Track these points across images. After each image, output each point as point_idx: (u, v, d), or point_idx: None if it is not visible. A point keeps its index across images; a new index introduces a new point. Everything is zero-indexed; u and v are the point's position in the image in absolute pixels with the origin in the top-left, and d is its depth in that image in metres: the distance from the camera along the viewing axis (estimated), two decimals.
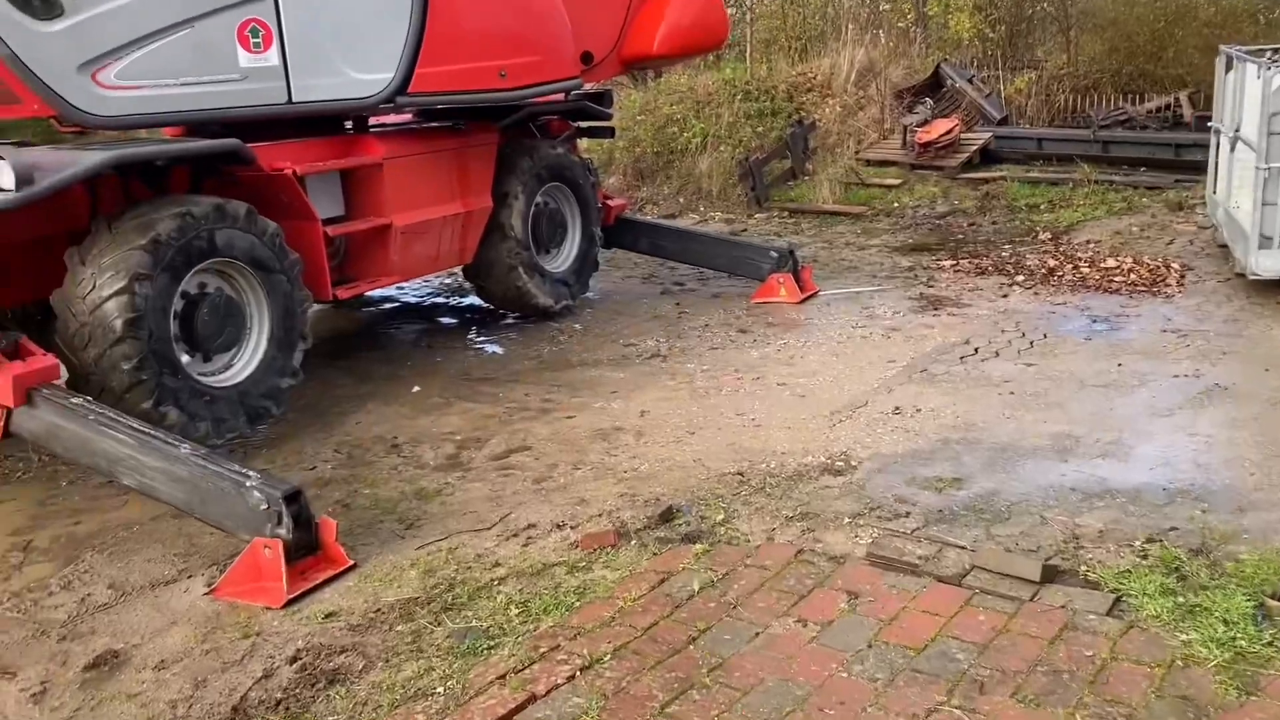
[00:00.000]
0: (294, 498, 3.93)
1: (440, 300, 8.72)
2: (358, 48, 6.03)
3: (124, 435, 4.24)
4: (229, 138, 5.43)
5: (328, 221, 6.01)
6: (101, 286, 4.72)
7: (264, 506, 3.90)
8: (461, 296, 8.62)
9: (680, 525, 4.17)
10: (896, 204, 11.66)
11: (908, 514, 4.17)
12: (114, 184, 5.34)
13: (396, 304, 8.70)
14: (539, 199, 7.48)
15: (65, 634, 3.73)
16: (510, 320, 7.83)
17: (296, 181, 5.68)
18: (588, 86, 8.00)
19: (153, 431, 4.26)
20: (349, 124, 6.77)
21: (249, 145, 5.56)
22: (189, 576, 4.10)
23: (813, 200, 12.09)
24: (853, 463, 4.75)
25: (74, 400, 4.44)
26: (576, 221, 7.88)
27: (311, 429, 5.75)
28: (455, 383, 6.45)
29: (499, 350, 7.14)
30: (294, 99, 5.79)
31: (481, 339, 7.45)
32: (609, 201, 8.58)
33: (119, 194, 5.35)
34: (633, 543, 4.03)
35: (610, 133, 8.22)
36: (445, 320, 8.08)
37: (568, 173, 7.66)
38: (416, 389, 6.30)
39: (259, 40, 5.58)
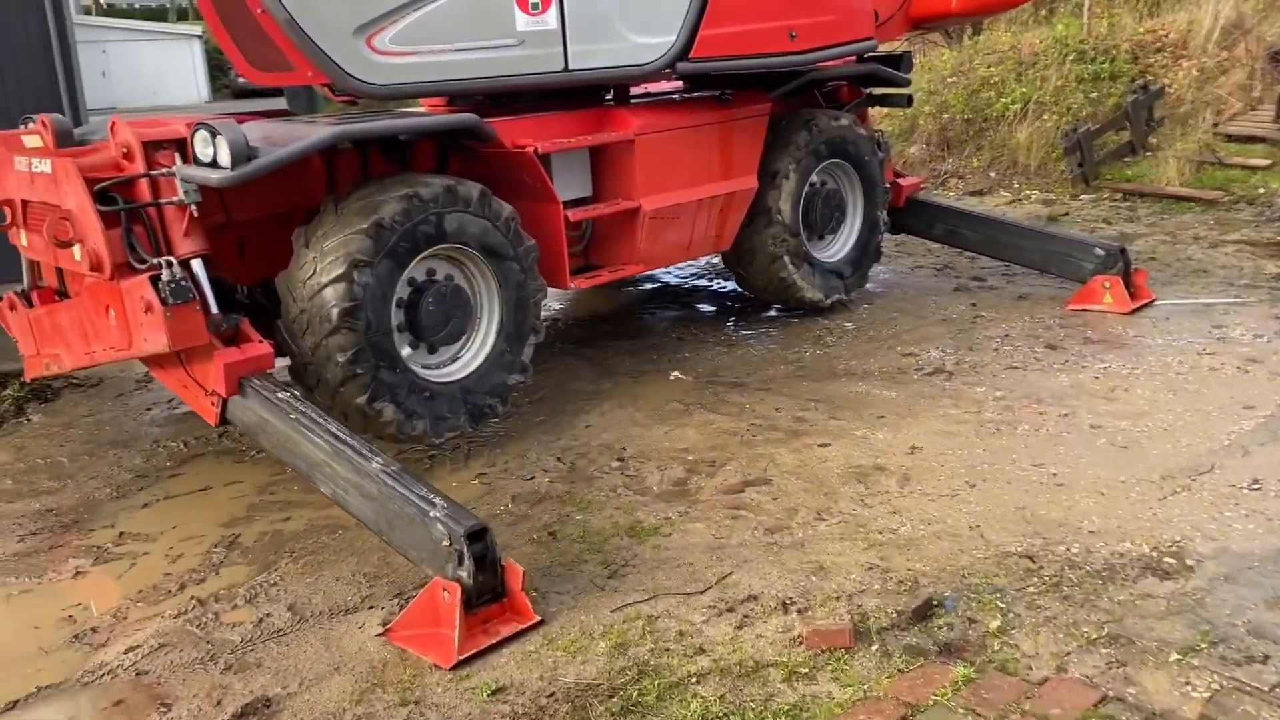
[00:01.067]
0: (478, 535, 3.38)
1: (702, 283, 8.04)
2: (638, 9, 5.42)
3: (321, 440, 3.88)
4: (467, 113, 4.98)
5: (571, 204, 5.46)
6: (321, 272, 4.40)
7: (445, 542, 3.39)
8: (725, 279, 7.88)
9: (939, 628, 3.24)
10: (1263, 190, 9.65)
11: (1266, 658, 3.01)
12: (352, 160, 5.04)
13: (657, 285, 8.12)
14: (814, 178, 6.58)
15: (232, 663, 3.40)
16: (773, 312, 7.01)
17: (538, 160, 5.14)
18: (882, 48, 6.96)
19: (349, 439, 3.86)
20: (609, 95, 6.20)
21: (490, 120, 5.10)
22: (370, 607, 3.68)
23: (1154, 181, 10.29)
24: (1188, 560, 3.58)
25: (280, 395, 4.15)
26: (857, 204, 6.91)
27: (539, 429, 5.26)
28: (700, 387, 5.75)
29: (754, 349, 6.36)
30: (570, 66, 5.25)
31: (738, 333, 6.69)
32: (899, 180, 7.51)
33: (357, 170, 5.04)
34: (873, 648, 3.15)
35: (907, 101, 7.14)
36: (703, 308, 7.39)
37: (851, 148, 6.69)
38: (668, 382, 5.67)
39: (538, 1, 5.07)
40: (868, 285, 7.39)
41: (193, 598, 3.84)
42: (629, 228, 5.64)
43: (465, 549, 3.34)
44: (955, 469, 4.48)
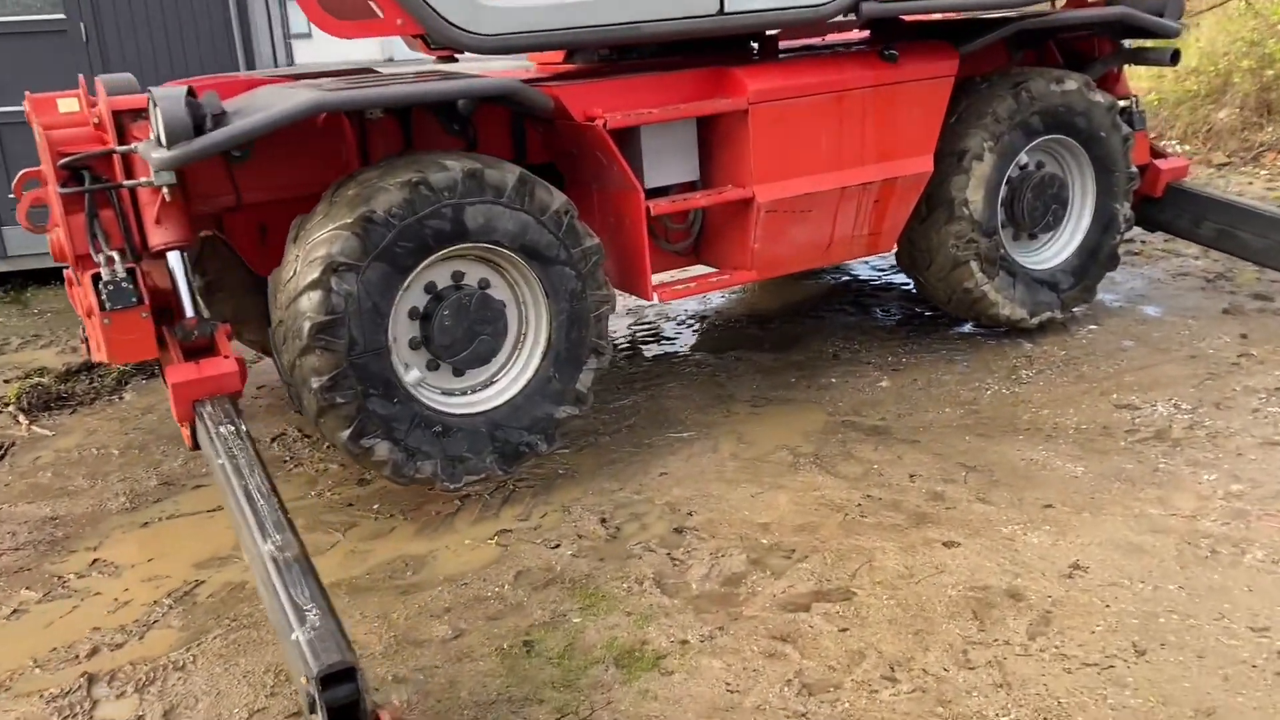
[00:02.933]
0: (340, 678, 2.43)
1: (898, 279, 6.59)
2: None
3: (234, 498, 3.07)
4: (510, 79, 3.96)
5: (659, 192, 4.32)
6: (299, 275, 3.58)
7: (301, 678, 2.48)
8: None
9: None
10: None
11: None
12: (392, 132, 4.17)
13: (846, 277, 6.76)
14: (1023, 159, 5.02)
15: None
16: (967, 328, 5.51)
17: (609, 137, 4.04)
18: None
19: (258, 504, 3.01)
20: (755, 47, 4.96)
21: (562, 85, 4.06)
22: None
23: None
24: None
25: (222, 429, 3.37)
26: (1086, 194, 5.24)
27: (605, 471, 4.23)
28: (828, 429, 4.47)
29: (922, 379, 4.94)
30: (726, 8, 4.13)
31: (909, 354, 5.27)
32: (1157, 161, 5.70)
33: (397, 145, 4.18)
34: None
35: (1172, 58, 5.30)
36: (883, 314, 5.98)
37: (1080, 120, 5.03)
38: (791, 417, 4.45)
39: None
40: (1100, 297, 5.70)
41: (85, 673, 3.17)
42: (740, 223, 4.42)
43: (318, 695, 2.40)
44: (1125, 615, 3.00)
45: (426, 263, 3.70)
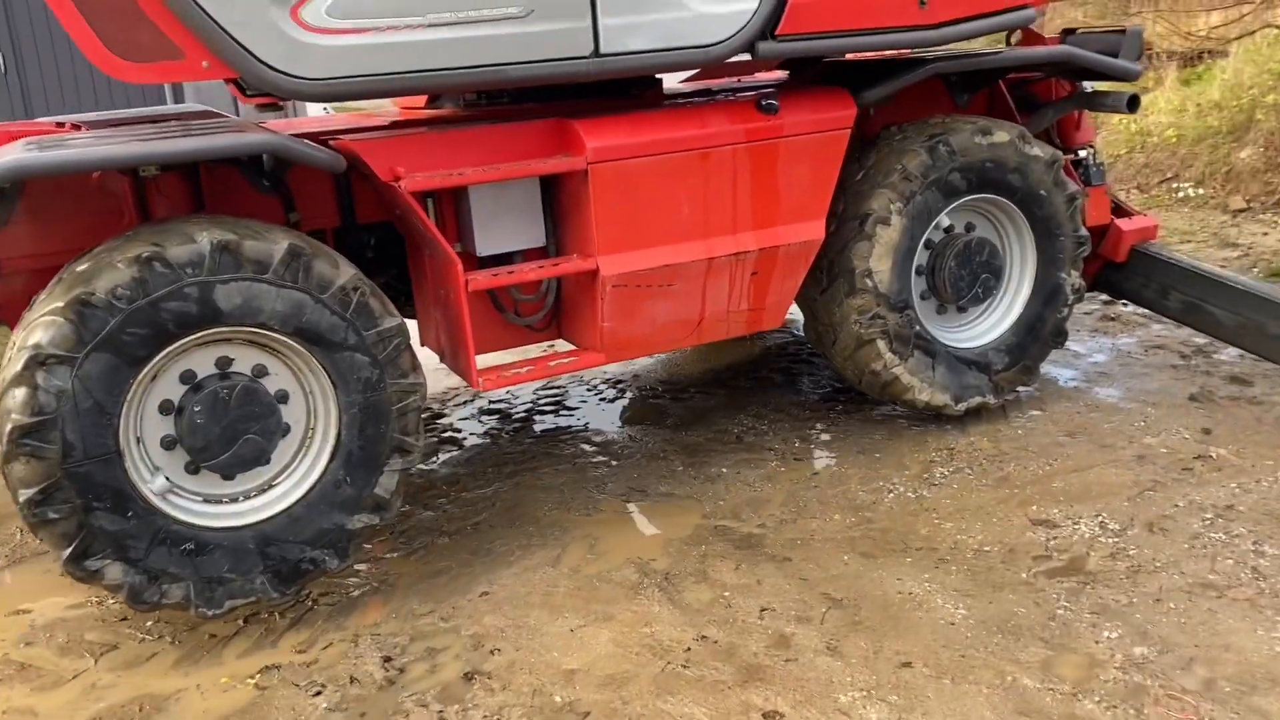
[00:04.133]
0: None
1: None
2: None
3: None
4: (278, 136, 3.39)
5: (498, 260, 3.72)
6: (8, 366, 3.04)
7: None
8: None
9: None
10: None
11: None
12: (175, 187, 3.63)
13: (788, 337, 6.09)
14: (943, 221, 4.33)
15: None
16: (891, 410, 4.81)
17: (417, 200, 3.45)
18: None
19: None
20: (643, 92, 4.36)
21: (366, 134, 3.50)
22: None
23: None
24: None
25: None
26: (1024, 261, 4.53)
27: (420, 588, 3.64)
28: (693, 540, 3.82)
29: (823, 474, 4.26)
30: (602, 49, 3.56)
31: (816, 441, 4.58)
32: (1119, 222, 4.96)
33: (185, 201, 3.64)
34: None
35: (1129, 104, 4.55)
36: (805, 385, 5.29)
37: (1012, 177, 4.33)
38: (654, 523, 3.80)
39: None
40: (1053, 373, 4.98)
41: None
42: (588, 299, 3.80)
43: None
44: None
45: (170, 351, 3.13)
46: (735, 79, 5.17)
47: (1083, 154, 4.89)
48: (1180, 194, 8.96)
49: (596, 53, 3.59)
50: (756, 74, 5.35)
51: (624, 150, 3.63)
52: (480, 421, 5.21)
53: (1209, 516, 3.67)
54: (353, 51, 3.30)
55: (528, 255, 3.88)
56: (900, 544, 3.69)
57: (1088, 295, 5.57)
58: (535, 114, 3.90)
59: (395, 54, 3.36)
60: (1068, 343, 5.50)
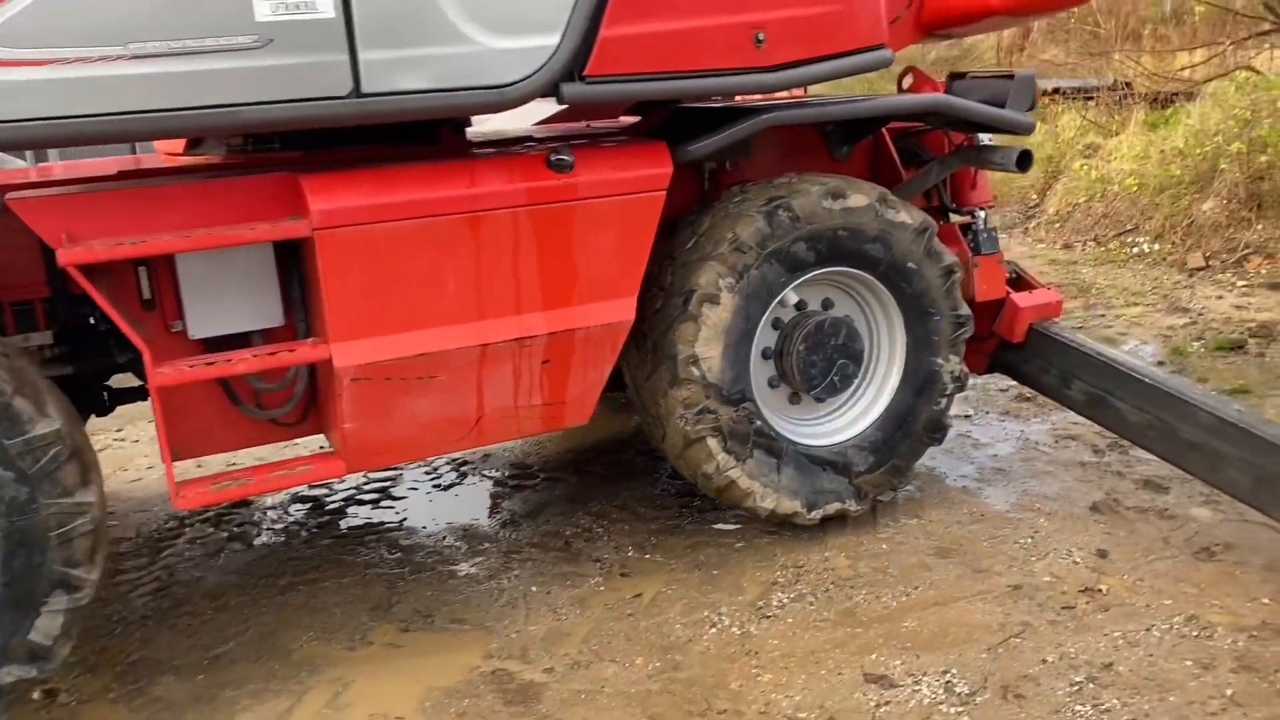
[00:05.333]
0: None
1: None
2: None
3: None
4: None
5: (226, 342, 3.06)
6: None
7: None
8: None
9: None
10: None
11: None
12: None
13: None
14: (789, 297, 3.66)
15: None
16: (744, 520, 4.11)
17: (82, 274, 2.78)
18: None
19: None
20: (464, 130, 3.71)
21: (41, 191, 2.84)
22: None
23: None
24: None
25: None
26: (895, 344, 3.85)
27: None
28: (451, 693, 3.11)
29: (634, 603, 3.56)
30: (364, 88, 2.90)
31: (649, 551, 3.88)
32: (1015, 296, 4.27)
33: None
34: None
35: (1019, 161, 3.87)
36: (665, 476, 4.59)
37: (873, 248, 3.65)
38: (411, 671, 3.10)
39: None
40: (940, 468, 4.28)
41: None
42: (329, 394, 3.13)
43: None
44: None
45: None
46: (585, 124, 4.51)
47: (979, 216, 4.22)
48: (1136, 249, 8.28)
49: (357, 92, 2.93)
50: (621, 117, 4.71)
51: (361, 213, 2.96)
52: (286, 513, 4.52)
53: (1080, 679, 2.95)
54: (26, 89, 2.65)
55: (273, 336, 3.22)
56: (701, 704, 2.99)
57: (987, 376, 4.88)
58: (287, 165, 3.24)
59: (86, 92, 2.70)
60: (970, 428, 4.83)
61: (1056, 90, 13.53)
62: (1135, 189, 9.05)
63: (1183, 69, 11.55)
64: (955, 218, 4.35)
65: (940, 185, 4.31)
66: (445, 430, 3.26)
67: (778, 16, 3.44)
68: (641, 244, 3.35)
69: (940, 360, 3.85)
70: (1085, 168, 10.00)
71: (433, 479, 4.76)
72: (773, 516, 3.73)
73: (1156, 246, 8.15)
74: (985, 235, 4.17)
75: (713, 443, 3.55)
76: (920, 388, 3.85)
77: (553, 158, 3.20)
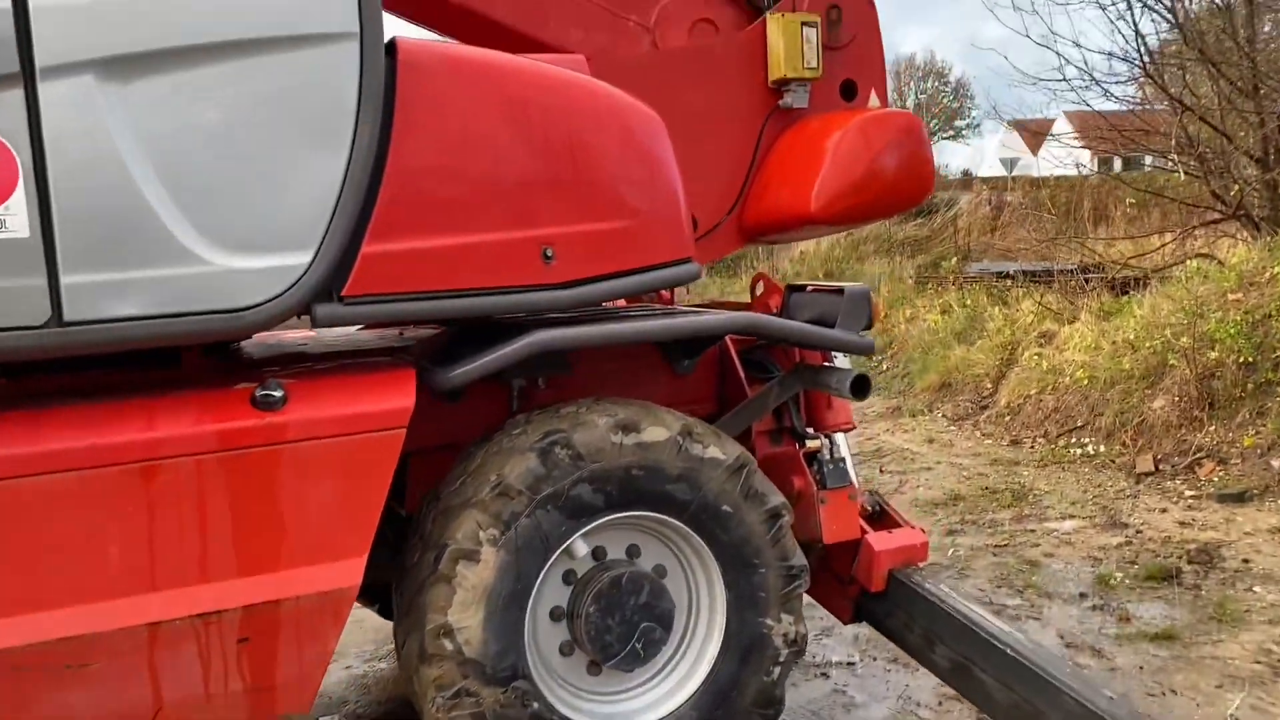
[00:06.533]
0: None
1: None
2: (231, 194, 2.62)
3: None
4: None
5: None
6: None
7: None
8: None
9: None
10: None
11: None
12: None
13: None
14: (579, 546, 3.07)
15: None
16: None
17: None
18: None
19: None
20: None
21: None
22: None
23: None
24: None
25: None
26: (714, 602, 3.23)
27: None
28: None
29: None
30: (67, 316, 2.45)
31: None
32: (870, 538, 3.66)
33: None
34: None
35: (853, 387, 3.35)
36: None
37: (677, 489, 3.09)
38: None
39: None
40: None
41: None
42: None
43: None
44: None
45: None
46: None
47: (826, 443, 3.68)
48: (1083, 449, 7.71)
49: (58, 320, 2.47)
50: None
51: None
52: None
53: None
54: None
55: None
56: None
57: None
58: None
59: None
60: (849, 681, 4.15)
61: (1014, 274, 13.30)
62: (1086, 382, 8.57)
63: (1136, 256, 11.28)
64: (811, 443, 3.81)
65: (791, 405, 3.80)
66: None
67: (567, 232, 3.04)
68: (372, 493, 2.79)
69: (769, 621, 3.22)
70: (1036, 358, 9.57)
71: None
72: None
73: (1103, 448, 7.58)
74: (832, 466, 3.61)
75: None
76: (745, 654, 3.21)
77: (258, 392, 2.69)
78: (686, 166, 3.47)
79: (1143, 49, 10.49)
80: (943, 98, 51.72)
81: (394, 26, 3.16)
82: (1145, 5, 10.15)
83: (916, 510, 6.56)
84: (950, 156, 54.89)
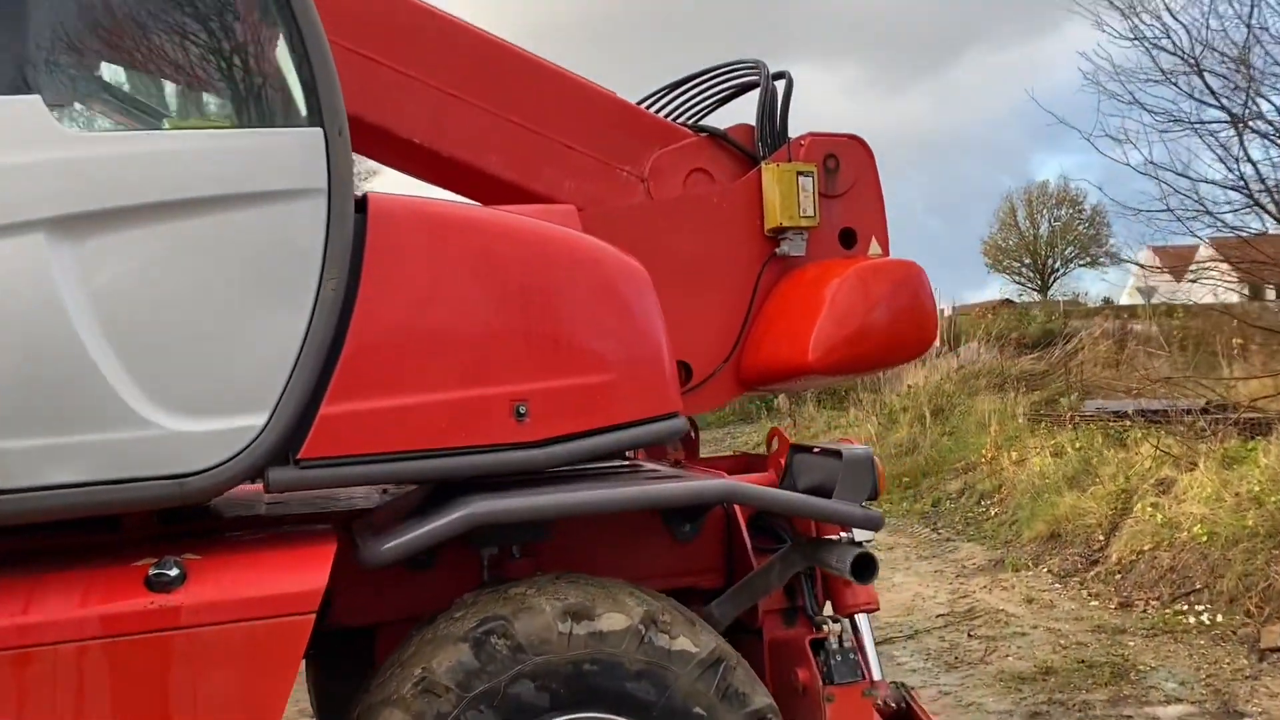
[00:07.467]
0: None
1: None
2: (174, 357, 2.56)
3: None
4: None
5: None
6: None
7: None
8: None
9: None
10: None
11: None
12: None
13: None
14: None
15: None
16: None
17: None
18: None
19: None
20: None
21: None
22: None
23: None
24: None
25: None
26: None
27: None
28: None
29: None
30: None
31: None
32: None
33: None
34: None
35: (854, 567, 2.88)
36: None
37: (636, 687, 2.68)
38: None
39: None
40: None
41: None
42: None
43: None
44: None
45: None
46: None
47: (834, 628, 3.22)
48: (1198, 618, 6.85)
49: None
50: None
51: None
52: None
53: None
54: None
55: None
56: None
57: None
58: None
59: None
60: None
61: (1131, 414, 12.39)
62: (1205, 539, 7.71)
63: (1265, 397, 10.34)
64: (827, 626, 3.35)
65: (804, 581, 3.36)
66: None
67: (542, 388, 2.85)
68: (277, 683, 2.49)
69: None
70: (1151, 509, 8.71)
71: None
72: None
73: (1222, 617, 6.71)
74: (840, 658, 3.14)
75: None
76: None
77: (153, 572, 2.45)
78: (681, 315, 3.25)
79: (1257, 175, 9.84)
80: (1077, 225, 50.37)
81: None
82: (1252, 130, 9.56)
83: (999, 686, 5.86)
84: (1091, 284, 53.16)
